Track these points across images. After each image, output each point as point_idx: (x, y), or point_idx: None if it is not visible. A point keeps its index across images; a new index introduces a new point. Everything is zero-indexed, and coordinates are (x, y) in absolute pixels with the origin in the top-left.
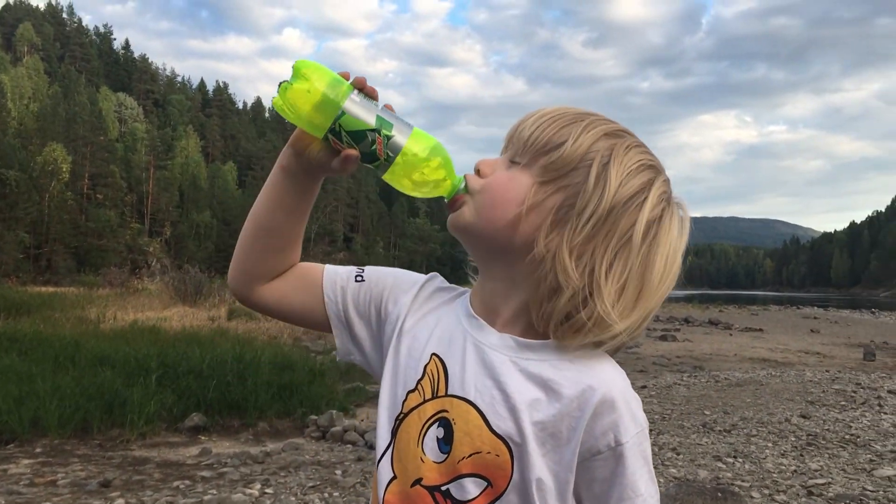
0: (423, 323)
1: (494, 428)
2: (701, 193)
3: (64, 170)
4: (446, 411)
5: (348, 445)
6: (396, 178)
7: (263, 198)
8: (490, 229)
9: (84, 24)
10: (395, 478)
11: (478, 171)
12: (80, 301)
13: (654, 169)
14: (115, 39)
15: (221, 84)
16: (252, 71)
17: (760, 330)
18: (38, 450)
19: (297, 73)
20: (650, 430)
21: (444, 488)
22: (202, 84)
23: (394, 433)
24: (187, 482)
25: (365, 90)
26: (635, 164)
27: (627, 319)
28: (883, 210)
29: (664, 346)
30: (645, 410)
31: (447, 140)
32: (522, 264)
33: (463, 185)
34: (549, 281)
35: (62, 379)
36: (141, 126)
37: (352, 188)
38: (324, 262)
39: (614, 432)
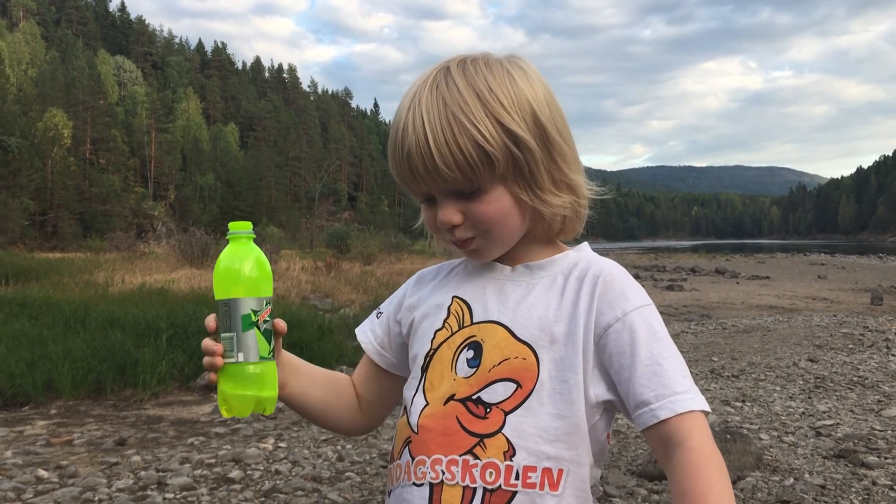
0: (429, 293)
1: (520, 336)
2: (706, 143)
3: (65, 135)
4: (474, 336)
5: None
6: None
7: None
8: (511, 244)
9: None
10: (427, 405)
11: (452, 226)
12: (88, 266)
13: (500, 74)
14: (110, 1)
15: (220, 44)
16: (247, 29)
17: (767, 277)
18: (52, 411)
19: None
20: None
21: (475, 396)
22: (200, 45)
23: (424, 369)
24: (202, 438)
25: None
26: (503, 96)
27: (579, 175)
28: (890, 154)
29: (671, 296)
30: None
31: None
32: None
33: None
34: (559, 220)
35: (73, 342)
36: (140, 89)
37: (355, 146)
38: (328, 221)
39: (621, 304)
